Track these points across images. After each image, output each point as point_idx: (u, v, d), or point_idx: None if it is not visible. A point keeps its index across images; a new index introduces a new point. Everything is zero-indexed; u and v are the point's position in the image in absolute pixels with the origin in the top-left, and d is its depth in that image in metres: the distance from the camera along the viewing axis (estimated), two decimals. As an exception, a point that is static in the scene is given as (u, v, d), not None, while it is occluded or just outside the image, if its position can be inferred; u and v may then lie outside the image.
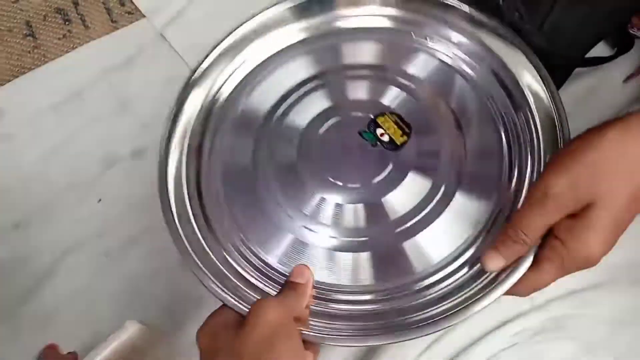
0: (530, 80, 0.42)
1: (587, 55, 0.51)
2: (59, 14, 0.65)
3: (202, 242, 0.39)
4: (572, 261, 0.33)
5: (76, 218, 0.54)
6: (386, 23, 0.47)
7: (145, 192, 0.54)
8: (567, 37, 0.47)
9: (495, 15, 0.45)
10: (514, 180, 0.39)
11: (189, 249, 0.38)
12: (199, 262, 0.38)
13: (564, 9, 0.45)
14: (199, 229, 0.40)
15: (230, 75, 0.46)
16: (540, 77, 0.42)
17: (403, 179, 0.40)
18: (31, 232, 0.54)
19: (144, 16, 0.65)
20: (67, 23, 0.65)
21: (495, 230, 0.38)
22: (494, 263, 0.35)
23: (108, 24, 0.65)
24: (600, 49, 0.53)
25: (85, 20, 0.65)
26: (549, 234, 0.34)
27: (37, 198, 0.55)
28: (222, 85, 0.46)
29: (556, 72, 0.51)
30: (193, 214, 0.40)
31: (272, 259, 0.39)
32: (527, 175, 0.39)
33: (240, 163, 0.43)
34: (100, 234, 0.53)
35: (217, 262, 0.39)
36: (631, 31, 0.52)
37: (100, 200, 0.55)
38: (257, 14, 0.47)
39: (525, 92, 0.42)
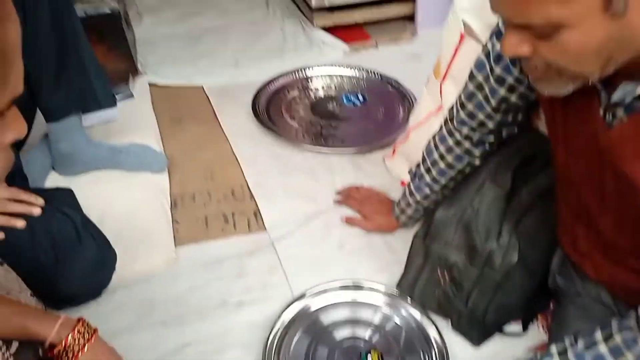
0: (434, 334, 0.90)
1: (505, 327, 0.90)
2: (223, 217, 1.17)
3: None
4: None
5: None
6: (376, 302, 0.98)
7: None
8: (480, 313, 0.86)
9: (444, 292, 0.88)
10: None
11: None
12: None
13: (476, 298, 0.85)
14: None
15: (310, 306, 0.97)
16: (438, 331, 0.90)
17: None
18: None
19: (265, 229, 1.14)
20: (226, 222, 1.16)
21: None
22: None
23: (246, 229, 1.15)
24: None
25: (235, 224, 1.16)
26: None
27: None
28: (306, 308, 0.97)
29: (475, 333, 0.88)
30: None
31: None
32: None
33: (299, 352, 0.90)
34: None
35: None
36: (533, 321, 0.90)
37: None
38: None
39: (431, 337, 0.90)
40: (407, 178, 1.19)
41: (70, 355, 0.68)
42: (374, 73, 1.60)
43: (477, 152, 0.91)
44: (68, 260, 0.89)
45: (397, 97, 1.52)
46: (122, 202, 1.16)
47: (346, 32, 1.80)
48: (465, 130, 0.90)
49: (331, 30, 1.80)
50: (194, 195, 1.23)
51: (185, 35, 1.80)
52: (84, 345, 0.69)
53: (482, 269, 0.83)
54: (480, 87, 0.84)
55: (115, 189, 1.18)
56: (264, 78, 1.57)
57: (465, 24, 1.00)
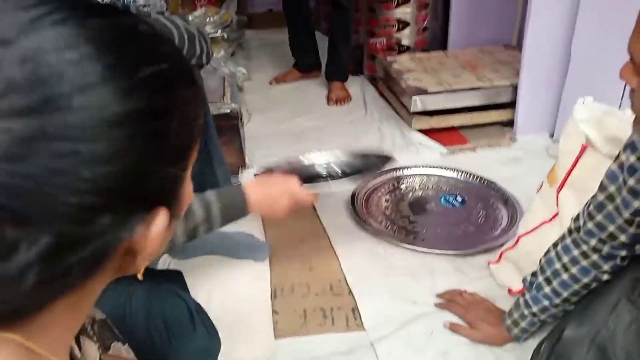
0: None
1: None
2: (321, 311, 1.16)
3: None
4: None
5: None
6: None
7: None
8: None
9: None
10: None
11: None
12: None
13: None
14: None
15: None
16: None
17: None
18: None
19: (364, 328, 1.11)
20: (324, 317, 1.14)
21: None
22: None
23: (344, 325, 1.12)
24: None
25: (334, 320, 1.14)
26: None
27: None
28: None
29: None
30: None
31: None
32: None
33: None
34: None
35: None
36: None
37: None
38: None
39: None
40: (514, 286, 1.13)
41: None
42: (473, 175, 1.60)
43: (606, 266, 0.86)
44: (181, 345, 0.91)
45: (498, 201, 1.49)
46: (226, 288, 1.19)
47: (443, 135, 1.84)
48: (593, 242, 0.85)
49: (428, 132, 1.85)
50: (293, 286, 1.24)
51: (288, 132, 1.93)
52: None
53: (619, 398, 0.74)
54: (611, 198, 0.81)
55: (221, 275, 1.22)
56: (362, 175, 1.61)
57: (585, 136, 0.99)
